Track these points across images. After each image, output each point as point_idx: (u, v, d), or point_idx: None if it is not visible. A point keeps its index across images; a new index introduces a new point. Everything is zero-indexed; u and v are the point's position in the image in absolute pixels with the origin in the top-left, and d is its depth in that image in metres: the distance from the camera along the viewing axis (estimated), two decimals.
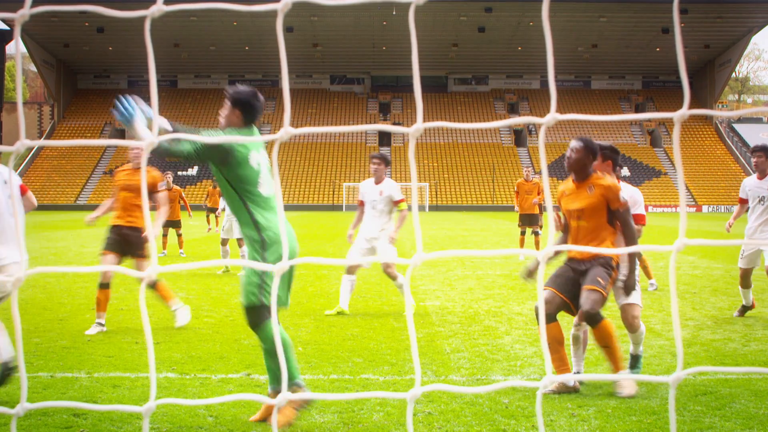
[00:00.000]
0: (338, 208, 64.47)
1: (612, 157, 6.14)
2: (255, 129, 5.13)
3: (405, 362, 6.47)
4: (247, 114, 4.96)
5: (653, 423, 4.82)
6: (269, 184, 4.92)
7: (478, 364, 6.47)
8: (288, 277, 5.08)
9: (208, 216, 23.07)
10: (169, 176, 17.45)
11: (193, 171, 70.16)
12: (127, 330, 7.95)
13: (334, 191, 67.09)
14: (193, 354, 6.76)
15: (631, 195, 6.35)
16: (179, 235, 17.78)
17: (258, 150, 4.94)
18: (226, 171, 4.80)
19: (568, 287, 5.62)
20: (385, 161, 9.17)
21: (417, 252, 1.45)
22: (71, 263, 15.68)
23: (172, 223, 17.22)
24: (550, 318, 5.57)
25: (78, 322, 8.43)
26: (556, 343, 5.50)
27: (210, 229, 22.45)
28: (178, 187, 18.16)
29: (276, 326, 1.73)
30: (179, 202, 17.62)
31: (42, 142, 1.53)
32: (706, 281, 12.52)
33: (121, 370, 6.16)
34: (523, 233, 16.67)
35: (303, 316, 8.83)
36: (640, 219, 6.43)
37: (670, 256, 1.40)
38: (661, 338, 7.59)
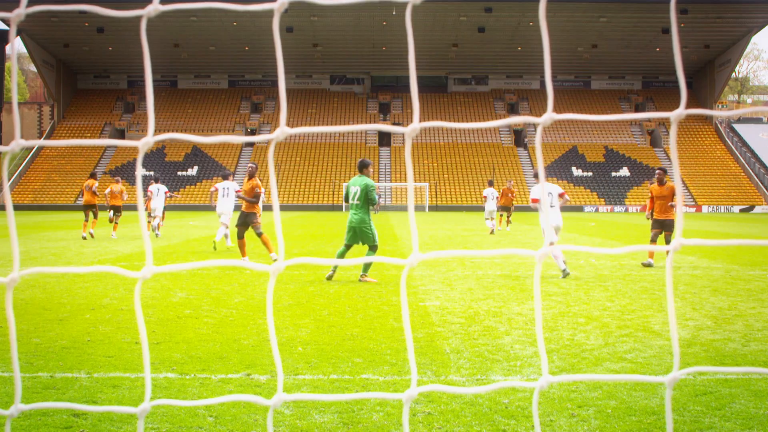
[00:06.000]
0: (338, 208, 64.44)
1: None
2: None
3: (405, 362, 6.46)
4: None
5: (653, 423, 4.81)
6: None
7: (478, 364, 6.46)
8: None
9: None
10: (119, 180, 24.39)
11: (193, 171, 70.12)
12: (127, 330, 7.94)
13: (334, 191, 67.07)
14: (193, 354, 6.76)
15: None
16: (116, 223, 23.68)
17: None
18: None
19: None
20: None
21: (414, 252, 1.44)
22: (71, 263, 15.67)
23: (115, 208, 23.75)
24: None
25: (78, 322, 8.42)
26: None
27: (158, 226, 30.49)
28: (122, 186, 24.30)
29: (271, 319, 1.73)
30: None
31: (40, 142, 1.52)
32: (706, 281, 12.50)
33: (121, 370, 6.16)
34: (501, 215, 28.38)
35: (303, 316, 8.83)
36: None
37: (667, 256, 1.39)
38: (660, 338, 7.59)
